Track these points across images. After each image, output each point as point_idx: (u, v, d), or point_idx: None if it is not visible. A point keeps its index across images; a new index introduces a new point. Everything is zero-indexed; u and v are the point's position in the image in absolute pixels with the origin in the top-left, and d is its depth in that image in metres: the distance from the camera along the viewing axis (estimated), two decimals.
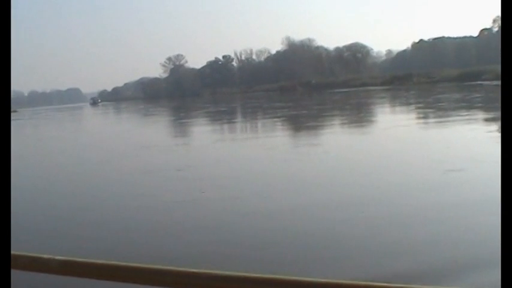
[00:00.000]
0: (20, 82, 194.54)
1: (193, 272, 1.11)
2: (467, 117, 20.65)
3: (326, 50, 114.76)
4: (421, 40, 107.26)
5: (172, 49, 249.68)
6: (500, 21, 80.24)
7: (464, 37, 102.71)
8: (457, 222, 6.26)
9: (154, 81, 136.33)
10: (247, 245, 6.05)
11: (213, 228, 6.78)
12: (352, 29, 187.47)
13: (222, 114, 38.88)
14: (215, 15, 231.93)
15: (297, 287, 1.03)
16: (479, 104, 28.47)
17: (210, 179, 10.52)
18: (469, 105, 27.18)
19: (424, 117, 23.39)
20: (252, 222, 7.04)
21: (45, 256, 1.28)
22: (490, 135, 14.20)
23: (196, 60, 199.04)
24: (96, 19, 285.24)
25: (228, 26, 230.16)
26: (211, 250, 5.84)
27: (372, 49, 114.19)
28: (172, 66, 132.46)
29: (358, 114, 30.10)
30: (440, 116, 22.55)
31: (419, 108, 29.73)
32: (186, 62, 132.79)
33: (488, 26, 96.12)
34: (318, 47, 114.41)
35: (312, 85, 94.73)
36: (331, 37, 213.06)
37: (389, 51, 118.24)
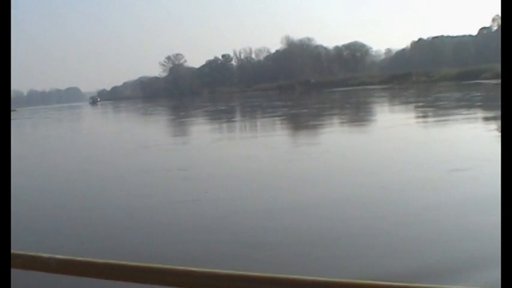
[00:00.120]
0: (19, 81, 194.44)
1: (194, 271, 1.11)
2: (468, 116, 20.65)
3: (325, 49, 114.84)
4: (420, 39, 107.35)
5: (171, 48, 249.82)
6: (499, 20, 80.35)
7: (463, 36, 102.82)
8: (467, 220, 6.24)
9: (154, 80, 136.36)
10: (249, 244, 6.04)
11: (215, 228, 6.77)
12: (351, 28, 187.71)
13: (222, 113, 38.87)
14: (214, 15, 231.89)
15: (298, 286, 1.03)
16: (480, 103, 28.44)
17: (212, 178, 10.48)
18: (470, 104, 27.15)
19: (425, 116, 23.34)
20: (255, 221, 7.02)
21: (45, 255, 1.28)
22: (493, 133, 14.19)
23: (195, 60, 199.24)
24: (95, 18, 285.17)
25: (227, 25, 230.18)
26: (214, 249, 5.83)
27: (371, 48, 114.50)
28: (172, 66, 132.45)
29: (359, 113, 30.10)
30: (441, 115, 22.50)
31: (419, 107, 29.71)
32: (185, 61, 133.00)
33: (487, 25, 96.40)
34: (317, 46, 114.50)
35: (311, 84, 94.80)
36: (330, 36, 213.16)
37: (388, 50, 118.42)
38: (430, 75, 79.32)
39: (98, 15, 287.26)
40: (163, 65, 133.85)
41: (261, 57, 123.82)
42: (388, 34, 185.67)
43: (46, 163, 16.11)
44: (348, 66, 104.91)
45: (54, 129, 39.44)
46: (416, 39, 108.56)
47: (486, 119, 19.26)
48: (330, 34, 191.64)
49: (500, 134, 9.92)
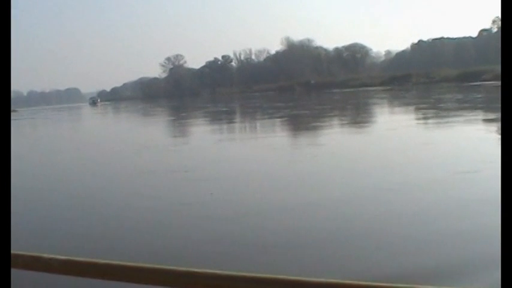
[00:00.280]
0: (19, 82, 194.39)
1: (195, 272, 1.11)
2: (471, 117, 20.61)
3: (325, 50, 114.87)
4: (420, 40, 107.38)
5: (171, 49, 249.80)
6: (499, 22, 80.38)
7: (464, 38, 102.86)
8: (480, 219, 6.23)
9: (153, 81, 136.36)
10: (253, 245, 6.03)
11: (220, 229, 6.75)
12: (351, 30, 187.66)
13: (223, 114, 38.84)
14: (214, 16, 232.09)
15: (299, 287, 1.03)
16: (482, 105, 28.38)
17: (216, 180, 10.42)
18: (473, 106, 27.07)
19: (428, 118, 23.19)
20: (261, 223, 7.01)
21: (46, 256, 1.28)
22: (497, 136, 14.12)
23: (195, 61, 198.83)
24: (95, 19, 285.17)
25: (227, 26, 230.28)
26: (218, 250, 5.83)
27: (371, 49, 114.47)
28: (172, 66, 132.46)
29: (360, 114, 30.07)
30: (444, 117, 22.35)
31: (421, 108, 29.61)
32: (185, 62, 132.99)
33: (487, 27, 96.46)
34: (317, 47, 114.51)
35: (311, 85, 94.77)
36: (330, 37, 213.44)
37: (388, 52, 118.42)
38: (430, 76, 79.33)
39: (98, 15, 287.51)
40: (163, 65, 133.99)
41: (261, 58, 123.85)
42: (388, 35, 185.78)
43: (46, 164, 16.09)
44: (348, 68, 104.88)
45: (54, 129, 39.45)
46: (416, 41, 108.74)
47: (491, 120, 19.12)
48: (330, 35, 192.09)
49: (500, 135, 9.87)
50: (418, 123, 21.31)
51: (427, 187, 8.32)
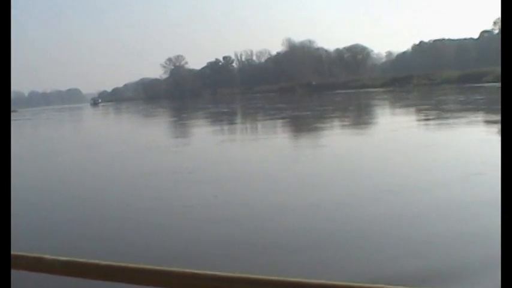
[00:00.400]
0: (20, 82, 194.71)
1: (196, 273, 1.11)
2: (472, 119, 20.58)
3: (326, 51, 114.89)
4: (421, 42, 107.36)
5: (172, 50, 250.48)
6: (500, 24, 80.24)
7: (465, 39, 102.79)
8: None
9: (155, 82, 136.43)
10: (254, 246, 6.03)
11: (219, 230, 6.76)
12: (352, 31, 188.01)
13: (224, 115, 38.84)
14: (215, 16, 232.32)
15: None
16: (483, 106, 28.32)
17: (219, 181, 10.39)
18: (474, 108, 27.02)
19: (429, 119, 23.14)
20: (265, 224, 7.00)
21: (47, 257, 1.28)
22: (498, 137, 14.11)
23: (196, 61, 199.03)
24: (96, 20, 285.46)
25: (229, 27, 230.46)
26: (219, 252, 5.82)
27: (372, 51, 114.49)
28: (173, 67, 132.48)
29: (362, 115, 30.06)
30: (445, 118, 22.29)
31: (423, 110, 29.56)
32: (186, 63, 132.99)
33: (488, 28, 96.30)
34: (318, 49, 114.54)
35: (313, 86, 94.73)
36: (331, 38, 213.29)
37: (389, 53, 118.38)
38: (431, 78, 79.27)
39: (99, 16, 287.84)
40: (164, 66, 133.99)
41: (262, 59, 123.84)
42: (389, 37, 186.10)
43: (47, 164, 16.07)
44: (349, 69, 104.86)
45: (55, 130, 39.47)
46: (417, 42, 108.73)
47: (492, 122, 19.03)
48: (331, 36, 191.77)
49: (500, 136, 9.83)
50: (419, 125, 21.30)
51: (428, 189, 8.32)
